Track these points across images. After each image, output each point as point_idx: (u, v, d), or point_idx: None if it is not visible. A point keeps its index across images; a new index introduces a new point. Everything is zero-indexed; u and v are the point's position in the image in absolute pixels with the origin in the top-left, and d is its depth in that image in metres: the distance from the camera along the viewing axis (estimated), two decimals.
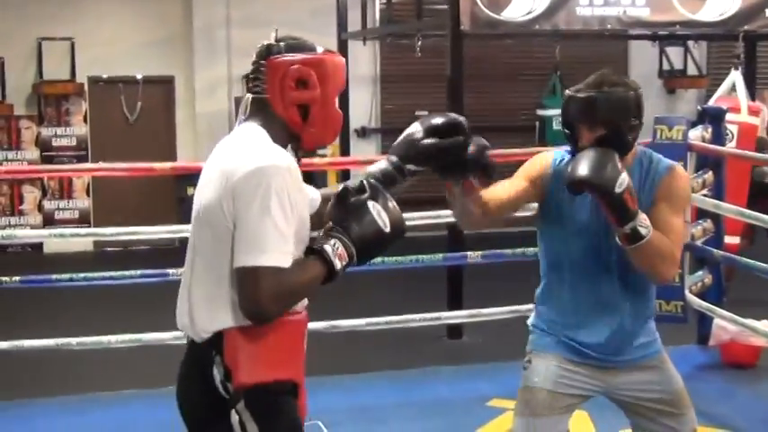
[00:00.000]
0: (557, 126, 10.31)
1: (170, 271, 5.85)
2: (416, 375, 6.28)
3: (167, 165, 6.18)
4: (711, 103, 7.87)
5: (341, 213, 2.51)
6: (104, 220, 10.80)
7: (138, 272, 6.06)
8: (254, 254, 2.34)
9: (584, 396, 3.39)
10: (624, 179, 3.03)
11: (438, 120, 2.91)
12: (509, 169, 3.58)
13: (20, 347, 5.75)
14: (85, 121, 11.71)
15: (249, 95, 2.56)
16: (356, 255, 2.49)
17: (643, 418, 3.39)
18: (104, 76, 11.69)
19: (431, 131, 2.87)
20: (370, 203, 2.51)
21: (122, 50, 11.53)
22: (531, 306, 3.55)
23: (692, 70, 12.43)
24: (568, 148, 3.30)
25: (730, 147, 7.75)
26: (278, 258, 2.36)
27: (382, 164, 2.81)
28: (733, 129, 7.94)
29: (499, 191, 3.29)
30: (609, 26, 8.32)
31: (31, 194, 11.64)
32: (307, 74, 2.51)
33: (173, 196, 11.13)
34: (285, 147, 2.52)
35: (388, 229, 2.51)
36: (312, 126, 2.53)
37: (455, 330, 7.28)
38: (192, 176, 10.49)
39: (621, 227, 3.06)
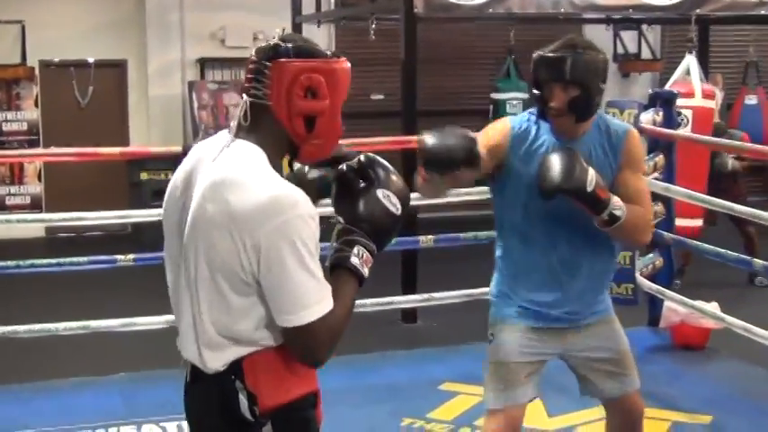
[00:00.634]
0: (510, 109, 10.34)
1: (119, 257, 5.80)
2: (370, 360, 6.27)
3: (116, 150, 6.10)
4: (667, 87, 7.90)
5: (351, 209, 2.38)
6: (56, 205, 10.64)
7: (87, 258, 5.98)
8: (301, 313, 2.20)
9: (545, 361, 3.50)
10: (593, 176, 3.16)
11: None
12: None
13: None
14: (36, 105, 11.55)
15: (247, 99, 2.30)
16: (376, 250, 2.39)
17: (592, 379, 3.52)
18: (56, 59, 11.52)
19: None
20: (380, 192, 2.37)
21: (74, 34, 11.37)
22: (484, 290, 3.57)
23: (646, 54, 12.48)
24: (530, 111, 3.42)
25: (685, 131, 7.80)
26: (323, 307, 2.23)
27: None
28: (688, 113, 7.98)
29: None
30: (562, 10, 8.33)
31: None
32: (317, 83, 2.26)
33: (125, 181, 11.01)
34: (281, 159, 2.34)
35: (399, 212, 2.40)
36: (316, 138, 2.31)
37: (409, 315, 7.28)
38: (143, 162, 10.49)
39: (599, 215, 3.21)
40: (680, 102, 7.16)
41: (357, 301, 6.87)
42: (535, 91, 3.33)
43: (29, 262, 5.85)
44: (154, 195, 10.53)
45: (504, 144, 3.37)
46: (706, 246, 6.03)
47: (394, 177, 2.41)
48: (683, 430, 5.15)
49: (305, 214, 2.20)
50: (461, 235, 6.39)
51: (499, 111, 10.54)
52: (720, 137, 7.90)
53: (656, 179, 6.39)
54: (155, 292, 8.42)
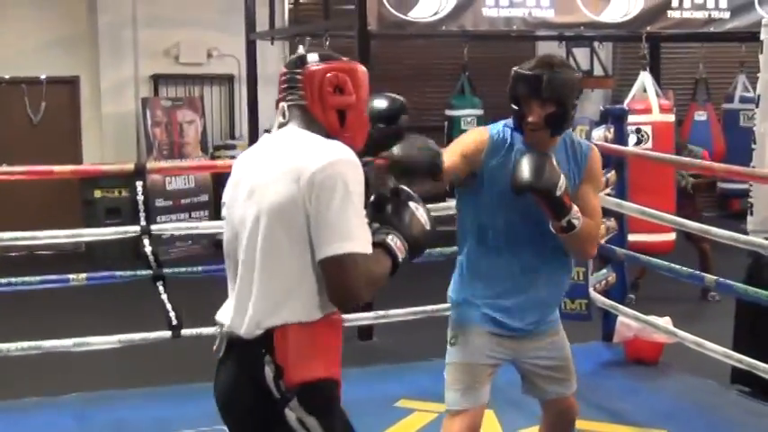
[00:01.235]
0: (465, 126, 10.38)
1: (71, 276, 5.73)
2: None
3: (67, 168, 6.04)
4: (625, 105, 7.98)
5: (385, 214, 2.65)
6: (8, 224, 10.47)
7: (39, 278, 5.91)
8: (344, 242, 2.41)
9: (499, 365, 3.64)
10: (563, 182, 3.33)
11: (383, 104, 3.06)
12: None
13: None
14: None
15: (284, 104, 2.62)
16: (408, 250, 2.61)
17: (537, 383, 3.71)
18: (6, 76, 11.39)
19: (377, 118, 3.00)
20: (412, 204, 2.68)
21: (25, 50, 11.25)
22: (440, 306, 3.64)
23: (598, 71, 12.60)
24: (508, 122, 3.54)
25: (647, 148, 7.88)
26: (364, 245, 2.45)
27: None
28: (647, 129, 8.06)
29: None
30: (515, 27, 8.40)
31: None
32: (343, 80, 2.60)
33: (78, 199, 10.91)
34: None
35: (429, 227, 2.68)
36: (348, 131, 2.62)
37: (365, 332, 7.27)
38: (96, 179, 10.39)
39: (558, 221, 3.37)
40: (638, 118, 7.26)
41: None
42: (513, 106, 3.47)
43: None
44: (108, 213, 10.47)
45: (482, 151, 3.50)
46: (659, 261, 6.07)
47: (423, 205, 2.72)
48: None
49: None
50: None
51: (454, 128, 10.58)
52: (680, 153, 7.99)
53: (609, 195, 6.45)
54: (108, 311, 8.42)
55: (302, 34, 10.57)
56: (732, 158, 9.14)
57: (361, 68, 2.68)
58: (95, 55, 11.47)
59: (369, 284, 2.47)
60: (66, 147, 11.33)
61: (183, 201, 11.16)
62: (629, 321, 6.30)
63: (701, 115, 11.81)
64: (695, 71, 12.12)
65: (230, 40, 11.27)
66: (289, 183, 2.46)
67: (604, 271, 6.61)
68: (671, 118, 8.31)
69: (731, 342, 5.81)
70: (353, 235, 2.43)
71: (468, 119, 10.73)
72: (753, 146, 6.34)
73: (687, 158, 7.40)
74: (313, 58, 2.64)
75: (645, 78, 8.50)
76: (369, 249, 2.46)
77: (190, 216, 11.06)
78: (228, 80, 11.92)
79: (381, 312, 6.47)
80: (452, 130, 10.60)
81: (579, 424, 5.27)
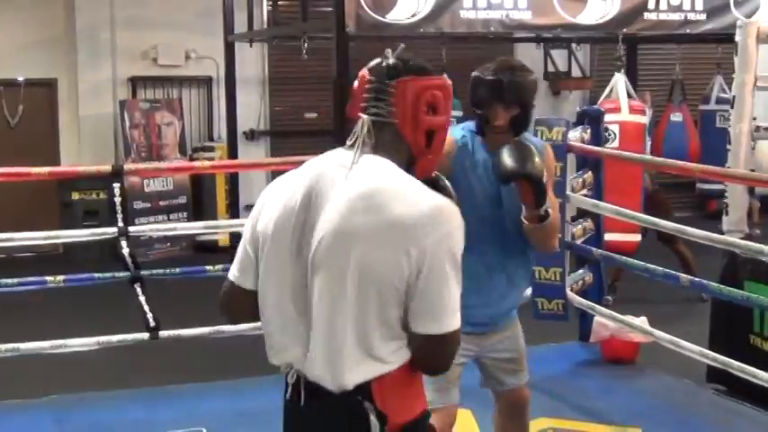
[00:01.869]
0: None
1: (49, 278, 5.71)
2: None
3: (44, 170, 6.00)
4: (597, 105, 8.01)
5: None
6: None
7: (16, 280, 5.88)
8: (444, 321, 2.25)
9: (465, 363, 3.72)
10: (544, 170, 3.45)
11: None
12: None
13: None
14: None
15: (367, 117, 2.37)
16: None
17: (496, 376, 3.83)
18: None
19: None
20: None
21: (3, 52, 11.20)
22: None
23: (576, 72, 12.67)
24: (467, 125, 3.65)
25: (612, 147, 7.91)
26: (458, 320, 2.28)
27: None
28: (614, 129, 8.10)
29: None
30: (492, 29, 8.43)
31: None
32: (439, 99, 2.38)
33: (56, 201, 10.87)
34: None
35: None
36: (431, 153, 2.41)
37: None
38: (74, 181, 10.36)
39: (538, 209, 3.47)
40: (607, 117, 7.26)
41: None
42: (477, 110, 3.56)
43: None
44: (85, 215, 10.44)
45: (451, 154, 3.55)
46: (634, 261, 6.10)
47: None
48: None
49: (461, 226, 2.29)
50: None
51: None
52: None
53: (586, 195, 6.49)
54: (86, 313, 8.37)
55: (280, 36, 10.58)
56: (709, 159, 9.18)
57: (450, 84, 2.46)
58: (73, 57, 11.43)
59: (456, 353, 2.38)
60: (43, 149, 11.29)
61: (161, 203, 11.14)
62: (605, 321, 6.32)
63: (676, 116, 11.87)
64: (672, 72, 12.19)
65: (208, 42, 11.26)
66: (390, 246, 2.21)
67: (581, 271, 6.65)
68: (642, 119, 8.34)
69: (707, 341, 5.85)
70: (453, 310, 2.26)
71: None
72: (728, 147, 6.41)
73: (662, 159, 7.45)
74: (407, 68, 2.40)
75: (618, 79, 8.54)
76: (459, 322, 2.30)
77: (168, 218, 11.03)
78: (207, 82, 11.91)
79: None
80: None
81: (556, 422, 5.35)
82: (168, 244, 10.96)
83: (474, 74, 3.58)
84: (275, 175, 9.92)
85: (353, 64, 8.04)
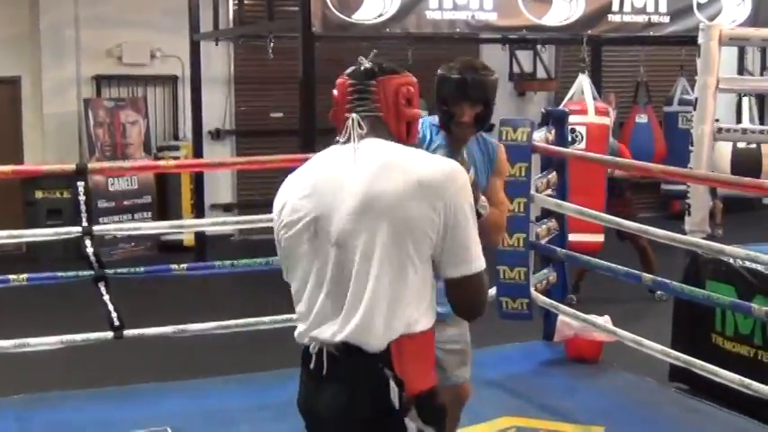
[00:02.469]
0: None
1: (11, 277, 5.67)
2: (270, 378, 6.13)
3: (7, 168, 5.94)
4: (562, 106, 8.05)
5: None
6: None
7: None
8: (477, 262, 2.54)
9: None
10: (472, 173, 3.43)
11: None
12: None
13: None
14: None
15: (355, 115, 2.63)
16: None
17: (446, 368, 3.84)
18: None
19: None
20: None
21: None
22: None
23: (541, 73, 12.71)
24: (427, 119, 3.77)
25: (579, 148, 7.96)
26: (483, 260, 2.57)
27: None
28: (581, 130, 8.15)
29: None
30: (458, 30, 8.45)
31: None
32: (413, 93, 2.70)
33: (20, 200, 10.78)
34: None
35: None
36: (411, 140, 2.69)
37: None
38: (38, 180, 10.28)
39: None
40: (574, 119, 7.30)
41: (258, 318, 6.78)
42: (443, 106, 3.68)
43: None
44: (49, 214, 10.36)
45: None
46: (597, 261, 6.14)
47: None
48: None
49: (468, 181, 2.61)
50: None
51: None
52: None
53: (550, 195, 6.52)
54: (49, 312, 8.29)
55: (246, 35, 10.56)
56: (673, 160, 9.29)
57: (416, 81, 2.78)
58: (37, 55, 11.33)
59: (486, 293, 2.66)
60: (6, 148, 11.17)
61: (125, 202, 11.07)
62: (569, 320, 6.35)
63: (641, 118, 11.97)
64: (636, 74, 12.27)
65: (174, 40, 11.20)
66: (420, 200, 2.47)
67: (545, 271, 6.66)
68: (606, 120, 8.41)
69: (670, 340, 5.88)
70: (480, 252, 2.55)
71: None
72: (690, 148, 6.45)
73: (624, 160, 7.51)
74: (383, 69, 2.70)
75: (583, 80, 8.59)
76: None
77: (133, 217, 10.96)
78: (172, 81, 11.84)
79: None
80: None
81: (520, 421, 5.38)
82: (132, 243, 10.90)
83: (439, 72, 3.71)
84: (241, 174, 9.92)
85: (319, 64, 8.05)
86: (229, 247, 11.36)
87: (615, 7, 8.83)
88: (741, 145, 10.00)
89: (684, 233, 6.15)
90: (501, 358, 6.52)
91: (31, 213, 10.59)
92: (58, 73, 11.35)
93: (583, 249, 6.97)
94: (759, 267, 5.32)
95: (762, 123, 11.97)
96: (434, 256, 2.51)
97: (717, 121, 6.56)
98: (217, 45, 10.97)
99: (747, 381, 4.90)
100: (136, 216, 11.03)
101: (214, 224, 7.25)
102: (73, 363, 6.38)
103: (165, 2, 11.30)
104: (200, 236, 10.26)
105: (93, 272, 5.61)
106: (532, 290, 6.36)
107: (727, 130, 6.93)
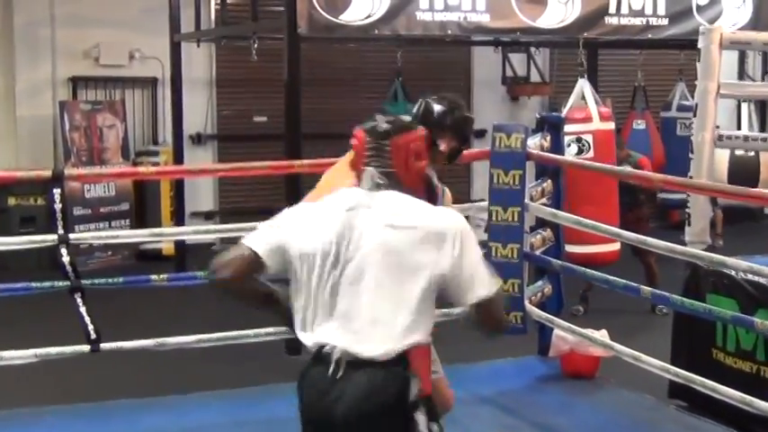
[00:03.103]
0: None
1: None
2: (254, 393, 6.11)
3: None
4: (564, 113, 7.90)
5: None
6: None
7: None
8: (490, 285, 2.99)
9: None
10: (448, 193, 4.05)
11: None
12: None
13: None
14: None
15: (372, 169, 3.08)
16: None
17: None
18: None
19: None
20: None
21: None
22: None
23: (535, 77, 12.57)
24: None
25: (588, 157, 7.80)
26: (497, 280, 3.05)
27: None
28: (588, 138, 8.00)
29: None
30: (449, 32, 8.29)
31: None
32: (421, 147, 3.16)
33: None
34: None
35: None
36: (420, 185, 3.23)
37: (294, 346, 7.05)
38: (10, 186, 10.04)
39: None
40: (579, 127, 7.23)
41: (239, 332, 6.68)
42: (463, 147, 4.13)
43: None
44: (22, 222, 10.18)
45: None
46: (595, 273, 6.04)
47: None
48: None
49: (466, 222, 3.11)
50: None
51: None
52: (621, 160, 7.94)
53: (545, 204, 6.38)
54: (23, 324, 8.10)
55: (229, 36, 10.36)
56: (670, 168, 9.15)
57: (424, 134, 3.23)
58: (10, 55, 11.10)
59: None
60: None
61: (102, 209, 10.87)
62: (565, 335, 6.25)
63: (639, 124, 11.82)
64: (633, 78, 12.14)
65: (153, 41, 11.01)
66: (435, 246, 2.95)
67: (540, 283, 6.57)
68: (611, 126, 8.28)
69: (669, 355, 5.76)
70: (491, 274, 3.02)
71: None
72: (690, 155, 6.30)
73: (623, 168, 7.36)
74: (396, 128, 3.13)
75: (583, 86, 8.46)
76: None
77: (110, 225, 10.77)
78: (152, 83, 11.65)
79: None
80: None
81: None
82: (109, 252, 10.70)
83: (427, 100, 4.14)
84: (223, 181, 9.64)
85: (306, 66, 7.87)
86: (211, 256, 11.08)
87: (612, 9, 8.68)
88: (738, 153, 9.90)
89: (684, 244, 6.01)
90: (494, 374, 6.48)
91: (2, 221, 10.38)
92: (33, 74, 11.12)
93: (597, 261, 6.85)
94: (762, 280, 5.21)
95: (762, 131, 11.89)
96: (451, 288, 2.98)
97: (717, 127, 6.40)
98: (198, 46, 10.77)
99: (749, 398, 4.82)
100: (113, 224, 10.82)
101: (195, 233, 7.11)
102: (47, 377, 6.28)
103: (144, 1, 11.11)
104: (180, 245, 10.05)
105: (69, 282, 5.53)
106: (527, 303, 6.24)
107: (728, 138, 6.82)
